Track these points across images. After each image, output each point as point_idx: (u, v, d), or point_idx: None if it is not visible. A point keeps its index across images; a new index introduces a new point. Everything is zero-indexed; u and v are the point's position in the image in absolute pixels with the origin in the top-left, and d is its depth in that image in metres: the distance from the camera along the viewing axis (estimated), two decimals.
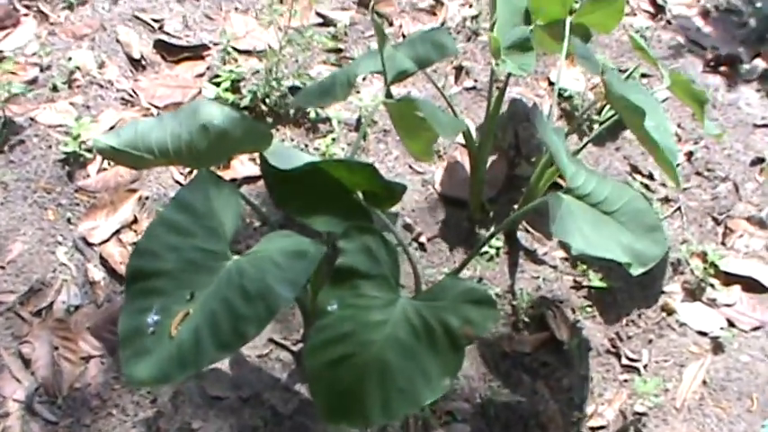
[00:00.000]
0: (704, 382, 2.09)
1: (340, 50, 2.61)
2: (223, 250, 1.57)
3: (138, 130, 1.71)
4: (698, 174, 2.46)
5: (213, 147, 1.68)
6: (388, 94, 1.74)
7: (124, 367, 1.50)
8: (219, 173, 2.26)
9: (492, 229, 2.26)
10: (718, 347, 2.15)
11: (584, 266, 2.22)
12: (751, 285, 2.25)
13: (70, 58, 2.44)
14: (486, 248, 2.23)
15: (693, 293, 2.23)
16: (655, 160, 1.96)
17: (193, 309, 1.50)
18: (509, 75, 2.05)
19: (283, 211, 1.69)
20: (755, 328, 2.19)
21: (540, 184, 2.19)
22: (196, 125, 1.66)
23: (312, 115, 2.40)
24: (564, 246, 2.26)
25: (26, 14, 2.59)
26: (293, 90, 2.43)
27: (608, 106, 2.50)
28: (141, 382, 1.49)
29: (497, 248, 2.24)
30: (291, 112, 2.41)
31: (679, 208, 2.38)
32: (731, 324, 2.19)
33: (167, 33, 2.57)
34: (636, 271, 1.84)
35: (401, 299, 1.56)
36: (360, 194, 1.70)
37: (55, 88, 2.39)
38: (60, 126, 2.30)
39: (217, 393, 1.93)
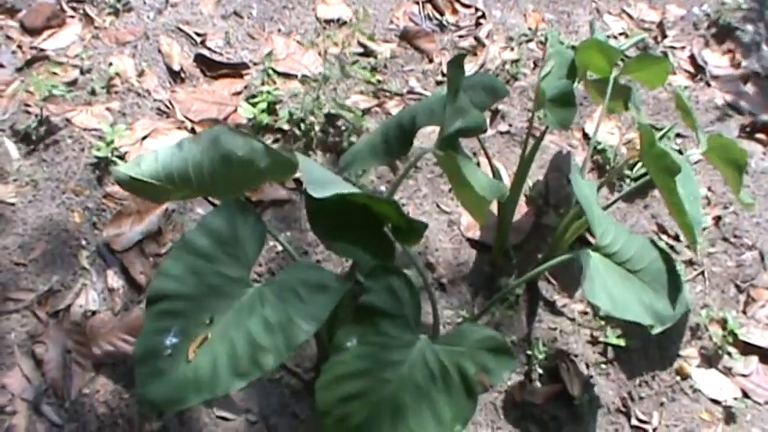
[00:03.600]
0: None
1: (379, 82, 2.62)
2: (244, 277, 1.57)
3: (159, 159, 1.71)
4: (724, 239, 2.45)
5: (236, 177, 1.68)
6: (441, 145, 1.71)
7: (138, 386, 1.49)
8: (247, 194, 2.27)
9: (514, 275, 2.26)
10: (730, 417, 2.13)
11: (602, 322, 2.21)
12: None
13: (111, 64, 2.47)
14: (505, 295, 2.22)
15: (710, 360, 2.21)
16: (677, 223, 1.95)
17: (212, 334, 1.49)
18: (547, 126, 2.05)
19: (314, 232, 1.68)
20: None
21: (565, 236, 2.18)
22: (218, 155, 1.66)
23: (345, 144, 2.40)
24: (590, 303, 2.24)
25: (72, 16, 2.61)
26: (329, 117, 2.44)
27: (640, 163, 2.50)
28: (155, 403, 1.48)
29: (517, 296, 2.23)
30: (326, 138, 2.42)
31: (702, 272, 2.37)
32: (745, 395, 2.16)
33: (209, 48, 2.59)
34: (656, 330, 1.83)
35: (419, 341, 1.55)
36: (388, 227, 1.70)
37: (93, 92, 2.41)
38: (95, 130, 2.32)
39: (224, 414, 1.92)
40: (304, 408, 1.95)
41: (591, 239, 2.32)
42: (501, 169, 2.42)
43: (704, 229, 2.45)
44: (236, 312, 1.51)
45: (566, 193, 2.45)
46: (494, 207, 2.33)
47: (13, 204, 2.16)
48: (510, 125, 2.59)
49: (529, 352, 2.13)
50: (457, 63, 1.68)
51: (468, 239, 2.33)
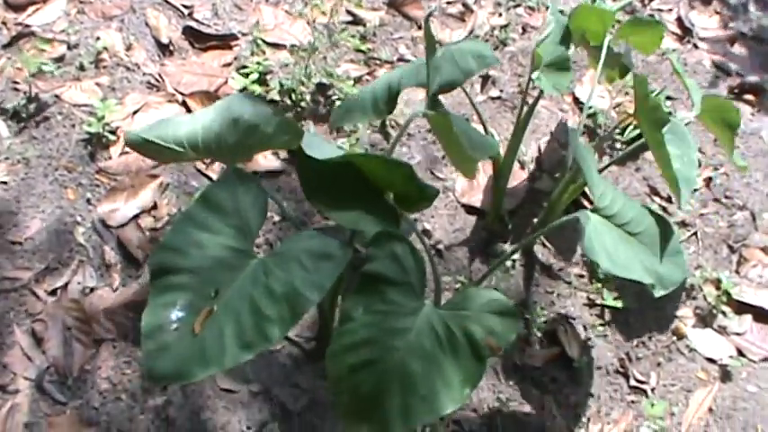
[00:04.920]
0: (710, 410, 2.09)
1: (368, 50, 2.61)
2: (248, 249, 1.56)
3: (171, 124, 1.70)
4: (716, 200, 2.47)
5: (242, 141, 1.67)
6: (431, 105, 1.72)
7: (145, 361, 1.48)
8: (240, 165, 2.26)
9: (509, 240, 2.27)
10: (726, 376, 2.16)
11: (599, 285, 2.22)
12: (763, 316, 2.25)
13: (98, 38, 2.44)
14: (501, 259, 2.23)
15: (705, 320, 2.24)
16: (663, 175, 1.96)
17: (217, 306, 1.49)
18: (541, 90, 2.05)
19: (312, 203, 1.68)
20: (765, 359, 2.19)
21: (561, 200, 2.19)
22: (227, 119, 1.65)
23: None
24: (590, 264, 2.26)
25: None
26: (320, 87, 2.43)
27: (631, 126, 2.50)
28: (162, 377, 1.47)
29: (514, 261, 2.24)
30: (317, 108, 2.41)
31: (695, 233, 2.39)
32: (741, 353, 2.19)
33: (196, 20, 2.56)
34: (658, 293, 1.84)
35: (425, 307, 1.56)
36: (390, 195, 1.69)
37: (82, 67, 2.38)
38: (85, 106, 2.29)
39: (227, 386, 1.92)
40: (306, 378, 1.96)
41: (586, 203, 2.33)
42: (494, 134, 2.42)
43: (696, 190, 2.47)
44: (241, 284, 1.51)
45: (559, 157, 2.46)
46: (489, 172, 2.34)
47: (5, 183, 2.14)
48: (501, 90, 2.58)
49: (527, 316, 2.15)
50: (428, 22, 1.68)
51: (464, 205, 2.33)
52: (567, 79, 1.97)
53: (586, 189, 2.30)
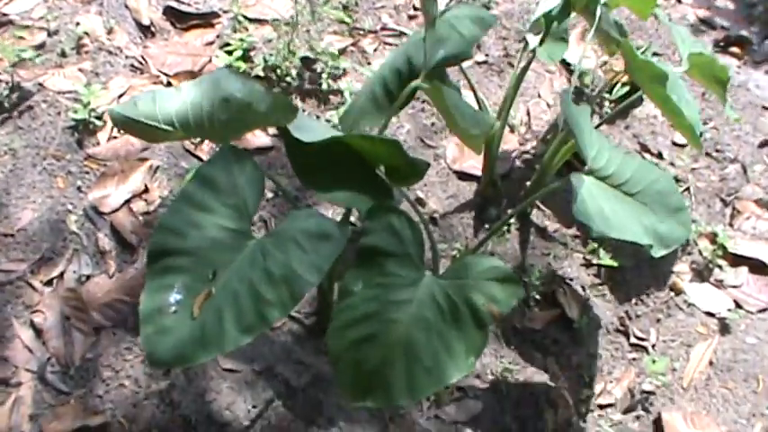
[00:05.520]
0: (711, 363, 2.11)
1: (352, 21, 2.58)
2: (246, 229, 1.55)
3: (157, 99, 1.66)
4: (707, 155, 2.47)
5: (235, 120, 1.64)
6: (428, 78, 1.68)
7: (145, 346, 1.47)
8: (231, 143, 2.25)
9: (503, 205, 2.26)
10: (725, 328, 2.17)
11: (595, 245, 2.23)
12: (758, 267, 2.27)
13: (78, 23, 2.40)
14: (496, 224, 2.23)
15: (701, 274, 2.25)
16: (676, 127, 1.95)
17: (216, 288, 1.47)
18: (533, 54, 2.03)
19: (304, 184, 1.66)
20: (762, 310, 2.21)
21: (553, 163, 2.18)
22: (218, 97, 1.62)
23: (324, 86, 2.37)
24: (582, 227, 2.26)
25: None
26: (305, 61, 2.41)
27: (619, 85, 2.50)
28: (163, 362, 1.46)
29: (509, 225, 2.24)
30: (303, 83, 2.39)
31: (688, 188, 2.39)
32: (738, 305, 2.21)
33: (177, 0, 2.52)
34: (658, 253, 1.83)
35: (425, 277, 1.56)
36: (381, 169, 1.69)
37: (63, 54, 2.35)
38: (69, 92, 2.26)
39: (230, 366, 1.92)
40: (308, 353, 1.96)
41: (578, 165, 2.33)
42: (484, 102, 2.41)
43: (685, 145, 2.47)
44: (239, 266, 1.49)
45: (549, 119, 2.45)
46: None
47: None
48: (487, 55, 2.57)
49: (525, 279, 2.15)
50: None
51: (455, 172, 2.33)
52: (563, 49, 1.95)
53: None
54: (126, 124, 1.69)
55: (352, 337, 1.48)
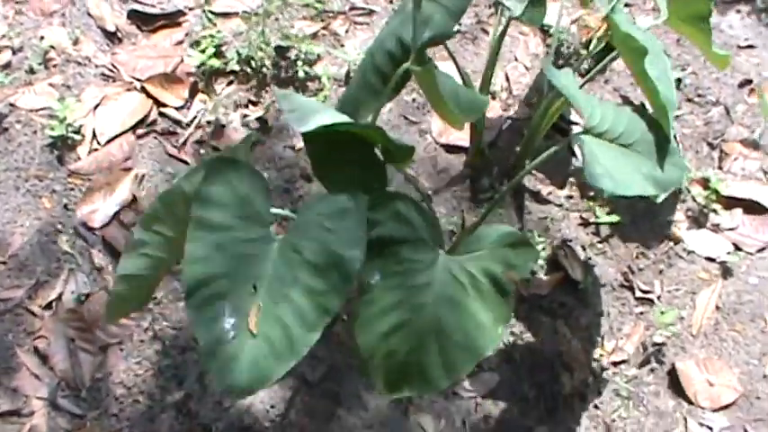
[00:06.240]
0: (717, 308, 2.12)
1: (320, 4, 2.53)
2: (265, 234, 1.49)
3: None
4: (689, 100, 2.46)
5: None
6: (418, 61, 1.65)
7: (218, 380, 1.41)
8: (213, 143, 2.21)
9: (495, 173, 2.25)
10: (726, 272, 2.18)
11: (591, 203, 2.22)
12: (752, 207, 2.28)
13: (42, 38, 2.34)
14: (490, 194, 2.22)
15: (698, 220, 2.25)
16: (650, 103, 1.94)
17: (263, 300, 1.42)
18: (509, 19, 2.01)
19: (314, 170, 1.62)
20: (761, 250, 2.22)
21: (541, 126, 2.17)
22: None
23: (301, 74, 2.33)
24: (575, 184, 2.26)
25: None
26: (279, 50, 2.36)
27: (595, 40, 2.48)
28: (243, 390, 1.40)
29: (502, 192, 2.22)
30: (279, 72, 2.35)
31: (674, 136, 2.38)
32: (737, 248, 2.22)
33: (140, 2, 2.46)
34: (660, 198, 1.82)
35: (440, 257, 1.55)
36: (378, 148, 1.65)
37: (31, 70, 2.29)
38: (43, 109, 2.21)
39: None
40: (319, 346, 1.92)
41: (565, 126, 2.32)
42: (468, 74, 2.38)
43: None
44: (276, 270, 1.44)
45: (528, 83, 2.43)
46: None
47: None
48: (460, 24, 2.54)
49: None
50: None
51: (443, 145, 2.30)
52: (543, 13, 1.93)
53: (567, 113, 2.30)
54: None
55: (380, 330, 1.46)
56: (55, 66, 2.31)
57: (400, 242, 1.50)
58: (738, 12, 2.67)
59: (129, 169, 2.14)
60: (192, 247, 1.45)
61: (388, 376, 1.48)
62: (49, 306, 1.96)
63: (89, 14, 2.42)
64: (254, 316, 1.41)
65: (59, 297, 1.97)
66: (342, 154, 1.59)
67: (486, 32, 2.50)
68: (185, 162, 2.18)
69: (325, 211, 1.47)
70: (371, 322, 1.46)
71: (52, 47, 2.32)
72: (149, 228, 1.56)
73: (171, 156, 2.19)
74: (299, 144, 2.23)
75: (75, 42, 2.35)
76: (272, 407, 1.87)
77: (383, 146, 1.61)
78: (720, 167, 2.36)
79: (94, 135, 2.19)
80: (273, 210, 1.54)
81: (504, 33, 2.09)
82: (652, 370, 2.04)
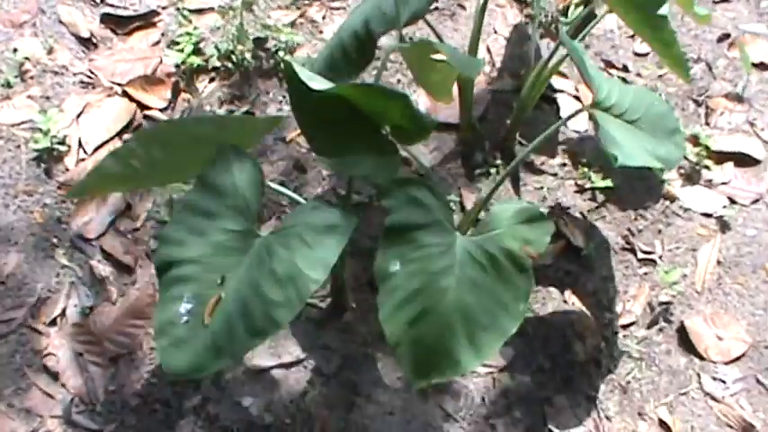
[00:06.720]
0: (719, 262, 2.14)
1: None
2: (250, 229, 1.51)
3: None
4: None
5: None
6: (403, 38, 1.64)
7: (161, 358, 1.47)
8: None
9: (487, 147, 2.24)
10: (724, 226, 2.20)
11: (585, 169, 2.23)
12: (742, 160, 2.30)
13: (16, 50, 2.28)
14: (485, 168, 2.21)
15: (691, 177, 2.27)
16: (660, 55, 1.93)
17: (225, 294, 1.45)
18: None
19: (310, 143, 1.61)
20: (755, 201, 2.24)
21: (531, 97, 2.16)
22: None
23: (282, 65, 2.31)
24: (567, 152, 2.27)
25: None
26: (257, 41, 2.33)
27: (572, 6, 2.48)
28: (179, 372, 1.45)
29: (496, 166, 2.22)
30: (261, 63, 2.32)
31: (660, 95, 2.39)
32: (732, 201, 2.24)
33: (111, 5, 2.41)
34: (665, 174, 1.83)
35: (458, 239, 1.54)
36: (387, 129, 1.64)
37: (8, 84, 2.24)
38: (24, 123, 2.16)
39: (258, 365, 1.89)
40: (332, 337, 1.93)
41: (554, 97, 2.32)
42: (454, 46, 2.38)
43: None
44: (247, 268, 1.46)
45: (510, 54, 2.42)
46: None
47: None
48: (437, 0, 2.52)
49: None
50: None
51: None
52: None
53: (552, 81, 2.29)
54: None
55: (405, 317, 1.46)
56: (32, 77, 2.26)
57: (417, 227, 1.49)
58: None
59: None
60: (171, 229, 1.51)
61: (416, 364, 1.47)
62: (53, 322, 1.93)
63: (60, 22, 2.37)
64: (210, 307, 1.44)
65: (63, 312, 1.94)
66: (347, 130, 1.58)
67: (464, 8, 2.49)
68: None
69: (313, 222, 1.47)
70: (396, 311, 1.45)
71: (27, 58, 2.27)
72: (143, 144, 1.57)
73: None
74: (290, 135, 2.20)
75: (50, 52, 2.30)
76: (290, 402, 1.86)
77: (399, 121, 1.58)
78: (708, 123, 2.37)
79: (80, 144, 2.15)
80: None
81: (485, 6, 2.08)
82: (661, 329, 2.05)
